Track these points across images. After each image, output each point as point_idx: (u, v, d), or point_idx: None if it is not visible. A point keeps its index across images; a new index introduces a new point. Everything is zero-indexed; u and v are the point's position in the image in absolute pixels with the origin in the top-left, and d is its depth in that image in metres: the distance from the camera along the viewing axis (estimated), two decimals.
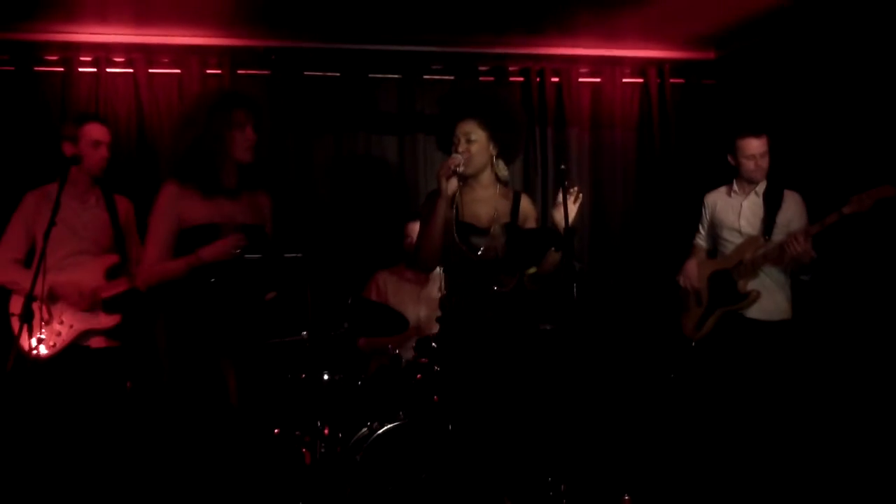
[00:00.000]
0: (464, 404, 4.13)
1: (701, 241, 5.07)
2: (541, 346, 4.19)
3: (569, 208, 3.96)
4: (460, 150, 4.08)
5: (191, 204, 3.91)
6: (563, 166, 4.11)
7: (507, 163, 4.27)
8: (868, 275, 4.97)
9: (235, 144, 3.99)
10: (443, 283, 5.30)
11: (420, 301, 5.24)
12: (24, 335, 3.67)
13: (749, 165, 4.75)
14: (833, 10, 5.14)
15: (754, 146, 4.74)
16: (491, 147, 4.16)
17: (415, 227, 5.25)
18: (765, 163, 4.75)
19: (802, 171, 5.13)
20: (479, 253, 4.11)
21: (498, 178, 4.23)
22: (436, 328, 4.96)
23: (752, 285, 4.68)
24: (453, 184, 4.07)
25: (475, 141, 4.10)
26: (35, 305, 3.62)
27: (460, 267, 4.17)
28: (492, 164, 4.20)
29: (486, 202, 4.19)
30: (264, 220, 4.17)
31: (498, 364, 4.06)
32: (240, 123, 3.98)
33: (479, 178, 4.19)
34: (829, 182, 4.99)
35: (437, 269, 5.37)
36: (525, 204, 4.26)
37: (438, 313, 5.18)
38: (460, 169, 4.04)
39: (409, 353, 4.63)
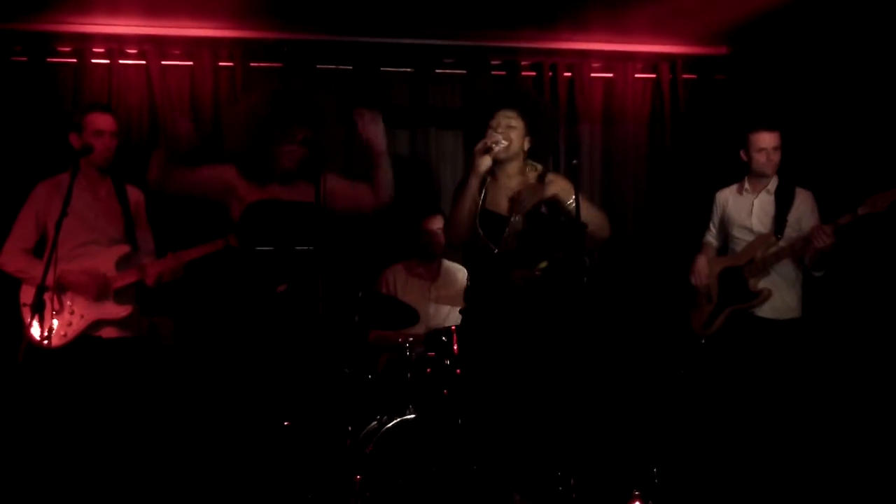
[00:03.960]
0: (481, 397, 4.14)
1: (711, 238, 5.03)
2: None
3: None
4: (499, 132, 4.12)
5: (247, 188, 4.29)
6: (574, 161, 4.11)
7: (538, 159, 4.31)
8: (879, 275, 4.95)
9: (281, 157, 4.29)
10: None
11: (430, 296, 5.23)
12: (35, 325, 3.67)
13: (760, 159, 4.72)
14: (847, 4, 5.11)
15: (765, 140, 4.71)
16: (526, 141, 4.22)
17: (433, 223, 5.25)
18: (776, 157, 4.72)
19: (814, 168, 5.10)
20: (497, 250, 4.13)
21: (528, 169, 4.26)
22: (445, 322, 4.98)
23: (763, 283, 4.65)
24: (486, 161, 4.11)
25: (515, 128, 4.16)
26: (46, 295, 3.62)
27: (479, 256, 4.19)
28: (523, 158, 4.24)
29: (512, 192, 4.19)
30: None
31: (517, 358, 4.06)
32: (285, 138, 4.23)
33: (506, 167, 4.22)
34: (842, 180, 4.97)
35: (450, 264, 5.40)
36: (553, 184, 4.22)
37: (448, 307, 5.17)
38: (497, 147, 4.08)
39: (418, 348, 4.62)
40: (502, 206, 4.19)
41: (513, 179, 4.23)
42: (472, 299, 4.30)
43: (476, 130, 4.23)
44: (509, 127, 4.15)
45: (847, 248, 4.56)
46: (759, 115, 5.02)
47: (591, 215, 4.07)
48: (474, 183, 4.12)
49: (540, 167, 4.29)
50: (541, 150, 4.35)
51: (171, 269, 4.32)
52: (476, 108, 4.34)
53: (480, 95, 4.43)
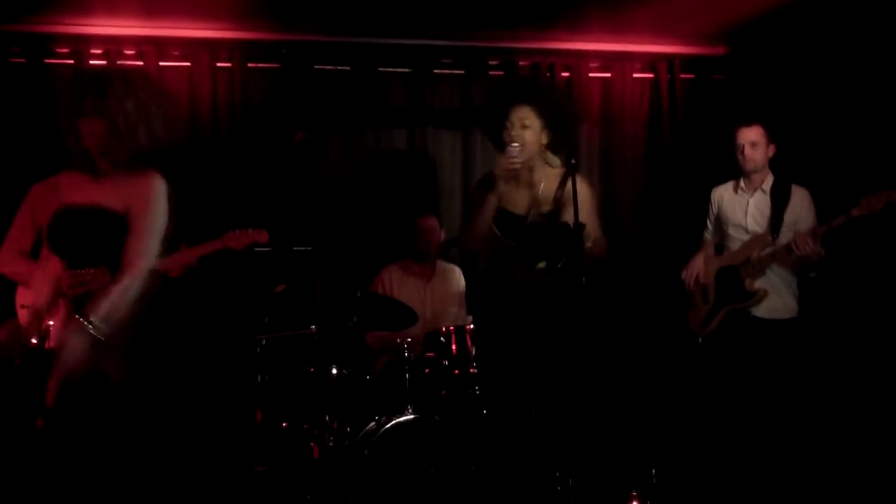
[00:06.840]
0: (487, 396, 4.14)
1: (709, 235, 5.02)
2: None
3: None
4: (513, 134, 4.09)
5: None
6: (572, 161, 4.07)
7: (556, 153, 4.27)
8: (875, 275, 4.95)
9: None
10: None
11: (425, 296, 5.23)
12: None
13: (737, 154, 4.69)
14: (845, 5, 5.11)
15: (741, 135, 4.67)
16: (543, 136, 4.17)
17: (426, 223, 5.25)
18: (756, 154, 4.66)
19: (812, 167, 5.09)
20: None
21: (548, 165, 4.22)
22: (441, 322, 4.98)
23: (759, 283, 4.63)
24: (503, 184, 4.11)
25: (529, 127, 4.12)
26: None
27: (497, 253, 4.18)
28: (541, 153, 4.19)
29: (529, 190, 4.17)
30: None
31: (518, 358, 4.06)
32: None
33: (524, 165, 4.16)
34: (839, 179, 4.96)
35: (446, 264, 5.40)
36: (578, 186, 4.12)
37: (444, 307, 5.16)
38: (517, 165, 4.05)
39: (416, 348, 4.63)
40: (520, 205, 4.16)
41: (534, 173, 4.18)
42: (482, 299, 4.29)
43: (492, 127, 4.22)
44: (523, 127, 4.11)
45: (843, 248, 4.55)
46: (749, 113, 5.00)
47: (593, 231, 4.05)
48: (494, 201, 4.11)
49: (558, 161, 4.24)
50: (558, 144, 4.28)
51: (183, 264, 4.31)
52: (494, 106, 4.31)
53: (499, 93, 4.37)
